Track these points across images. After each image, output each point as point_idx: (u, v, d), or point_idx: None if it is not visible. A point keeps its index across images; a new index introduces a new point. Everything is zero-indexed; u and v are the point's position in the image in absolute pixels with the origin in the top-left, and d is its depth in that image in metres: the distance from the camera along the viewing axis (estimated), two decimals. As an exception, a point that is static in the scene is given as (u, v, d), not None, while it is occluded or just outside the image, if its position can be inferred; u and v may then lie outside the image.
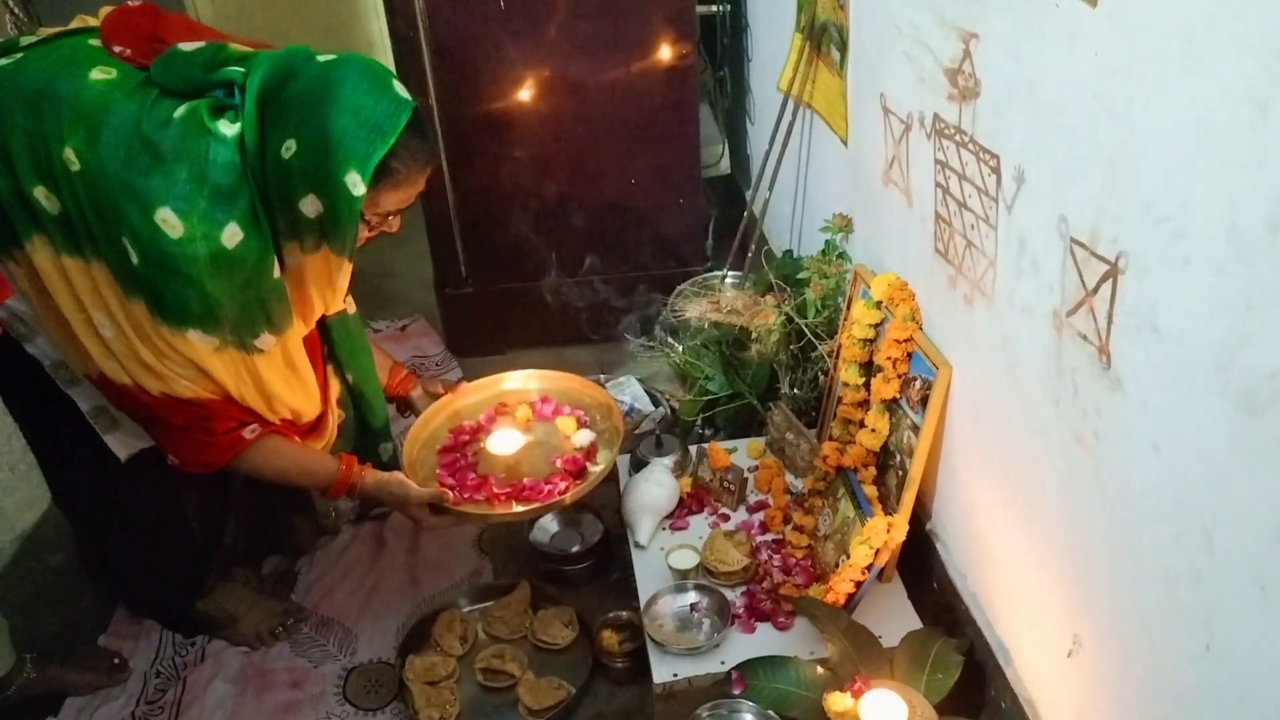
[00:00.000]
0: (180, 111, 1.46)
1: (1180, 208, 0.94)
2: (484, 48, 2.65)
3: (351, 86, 1.45)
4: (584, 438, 1.98)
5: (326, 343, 1.84)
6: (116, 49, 1.51)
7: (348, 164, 1.44)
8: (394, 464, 2.10)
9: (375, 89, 1.47)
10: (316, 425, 1.86)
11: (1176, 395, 0.99)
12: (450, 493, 1.81)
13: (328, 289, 1.65)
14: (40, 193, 1.45)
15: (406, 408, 2.11)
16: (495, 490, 1.86)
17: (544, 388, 2.13)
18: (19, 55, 1.50)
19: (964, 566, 1.71)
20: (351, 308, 1.86)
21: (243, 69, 1.48)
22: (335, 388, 1.91)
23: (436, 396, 2.08)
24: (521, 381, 2.15)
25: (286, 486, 1.88)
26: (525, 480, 1.88)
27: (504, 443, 1.96)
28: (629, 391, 2.72)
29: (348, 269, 1.63)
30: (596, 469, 1.90)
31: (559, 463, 1.92)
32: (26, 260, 1.50)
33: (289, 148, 1.44)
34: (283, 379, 1.69)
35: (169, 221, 1.43)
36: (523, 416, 2.06)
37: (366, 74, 1.48)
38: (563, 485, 1.86)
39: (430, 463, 1.97)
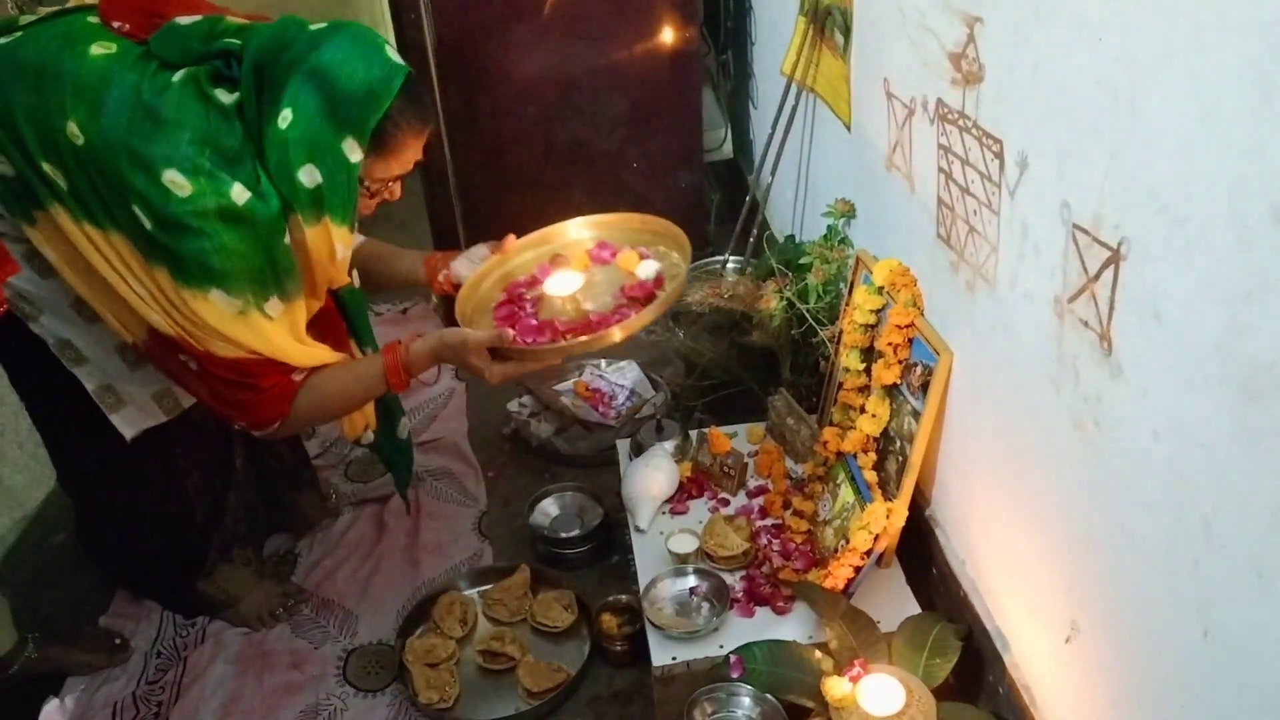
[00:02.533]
0: (179, 76, 1.47)
1: (1183, 194, 0.94)
2: (487, 31, 2.64)
3: (344, 54, 1.45)
4: (649, 268, 1.79)
5: (345, 318, 1.83)
6: (115, 24, 1.52)
7: (344, 130, 1.46)
8: (409, 443, 2.10)
9: (368, 55, 1.47)
10: None
11: (1177, 382, 0.99)
12: (510, 331, 1.66)
13: (330, 262, 1.63)
14: (48, 168, 1.45)
15: (452, 280, 1.92)
16: (562, 326, 1.70)
17: (599, 234, 1.93)
18: (18, 34, 1.51)
19: (963, 552, 1.71)
20: (357, 282, 1.85)
21: (239, 40, 1.49)
22: None
23: (483, 259, 1.91)
24: (575, 230, 1.95)
25: (350, 406, 1.77)
26: (590, 317, 1.71)
27: (563, 284, 1.79)
28: (630, 376, 2.72)
29: (349, 239, 1.62)
30: (662, 298, 1.68)
31: (624, 294, 1.74)
32: (51, 223, 1.50)
33: (285, 118, 1.45)
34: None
35: (177, 182, 1.43)
36: (579, 263, 1.87)
37: (358, 41, 1.48)
38: (631, 314, 1.69)
39: (485, 323, 1.80)
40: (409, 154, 1.58)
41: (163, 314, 1.54)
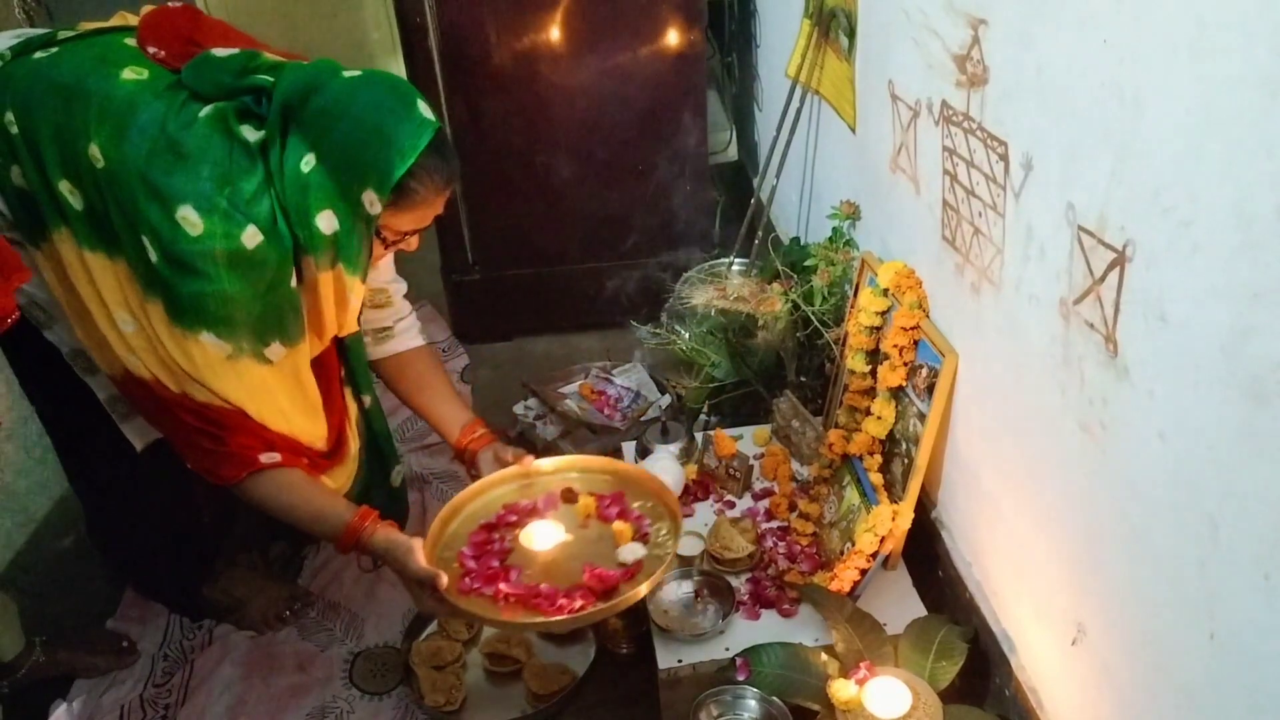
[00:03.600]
0: (206, 111, 1.46)
1: (1188, 195, 0.94)
2: (492, 32, 2.65)
3: (374, 104, 1.44)
4: (632, 553, 1.66)
5: (343, 363, 1.81)
6: (151, 50, 1.51)
7: (365, 182, 1.44)
8: (403, 491, 2.08)
9: (398, 108, 1.45)
10: (337, 450, 1.82)
11: (1183, 384, 0.99)
12: (444, 578, 1.55)
13: (341, 309, 1.62)
14: (65, 187, 1.45)
15: (471, 467, 1.91)
16: (506, 589, 1.60)
17: (621, 481, 1.83)
18: (55, 50, 1.51)
19: (969, 554, 1.70)
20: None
21: (272, 78, 1.47)
22: (353, 410, 1.88)
23: (505, 464, 1.84)
24: (600, 468, 1.86)
25: (291, 525, 1.72)
26: (542, 587, 1.60)
27: (541, 537, 1.71)
28: (635, 378, 2.72)
29: (361, 290, 1.60)
30: (618, 598, 1.57)
31: (586, 575, 1.62)
32: (53, 250, 1.50)
33: (308, 162, 1.44)
34: (289, 395, 1.65)
35: (189, 219, 1.42)
36: (583, 509, 1.76)
37: (390, 92, 1.47)
38: (578, 604, 1.56)
39: (464, 537, 1.73)
40: (429, 209, 1.55)
41: (146, 354, 1.53)
